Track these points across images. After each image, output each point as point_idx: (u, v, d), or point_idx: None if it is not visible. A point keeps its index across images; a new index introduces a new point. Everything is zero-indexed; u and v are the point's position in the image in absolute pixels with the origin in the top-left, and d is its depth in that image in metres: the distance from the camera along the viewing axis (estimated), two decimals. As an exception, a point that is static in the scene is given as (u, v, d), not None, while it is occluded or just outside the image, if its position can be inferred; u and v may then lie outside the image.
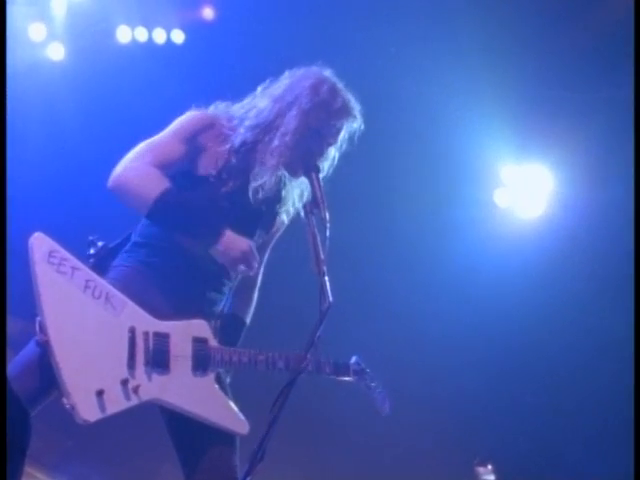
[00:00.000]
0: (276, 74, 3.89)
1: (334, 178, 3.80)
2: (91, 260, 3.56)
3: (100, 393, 3.19)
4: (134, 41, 7.20)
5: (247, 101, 3.86)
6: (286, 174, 3.76)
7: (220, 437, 3.49)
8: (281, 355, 3.60)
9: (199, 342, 3.49)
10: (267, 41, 6.92)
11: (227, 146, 3.69)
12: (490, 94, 6.94)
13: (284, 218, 3.91)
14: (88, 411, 3.17)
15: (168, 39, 7.26)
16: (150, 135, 3.71)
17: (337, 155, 3.82)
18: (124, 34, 7.18)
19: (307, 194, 3.70)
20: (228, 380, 3.73)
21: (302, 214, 3.52)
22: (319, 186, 3.52)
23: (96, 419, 3.19)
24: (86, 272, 3.35)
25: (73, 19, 7.05)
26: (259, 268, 3.94)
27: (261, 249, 3.91)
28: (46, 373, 3.22)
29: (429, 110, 7.11)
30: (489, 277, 7.37)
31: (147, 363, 3.35)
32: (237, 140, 3.70)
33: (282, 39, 6.83)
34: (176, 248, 3.57)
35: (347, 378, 3.83)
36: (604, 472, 7.29)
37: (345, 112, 3.72)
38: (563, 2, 6.92)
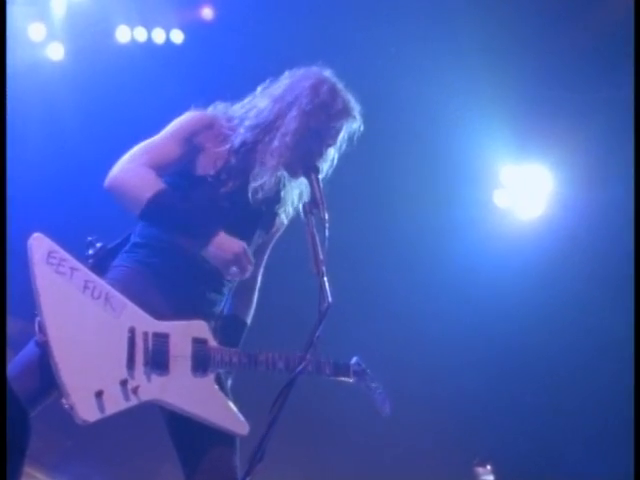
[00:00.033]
0: (276, 74, 3.89)
1: (334, 178, 3.80)
2: (90, 260, 3.56)
3: (99, 393, 3.19)
4: (133, 41, 7.20)
5: (247, 101, 3.86)
6: (285, 174, 3.76)
7: (220, 438, 3.48)
8: (281, 356, 3.59)
9: (199, 343, 3.48)
10: (267, 41, 6.92)
11: (226, 146, 3.69)
12: (490, 94, 6.94)
13: (283, 218, 3.91)
14: (87, 411, 3.16)
15: (167, 39, 7.26)
16: (150, 135, 3.71)
17: (336, 156, 3.83)
18: (123, 34, 7.18)
19: (306, 194, 3.70)
20: (229, 382, 3.74)
21: (301, 214, 3.51)
22: (318, 186, 3.52)
23: (95, 419, 3.19)
24: (85, 272, 3.35)
25: (73, 19, 7.04)
26: (259, 269, 3.94)
27: (261, 249, 3.91)
28: (46, 373, 3.22)
29: (429, 110, 7.11)
30: (489, 277, 7.37)
31: (146, 363, 3.35)
32: (237, 140, 3.70)
33: (282, 39, 6.83)
34: (175, 249, 3.57)
35: (347, 379, 3.82)
36: (604, 472, 7.29)
37: (345, 113, 3.72)
38: (563, 2, 6.92)
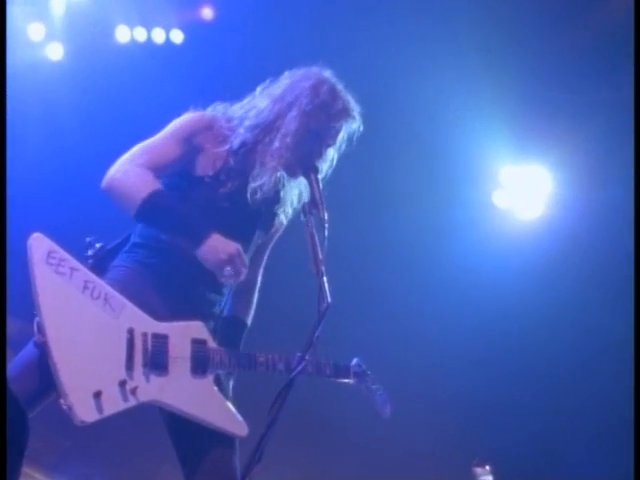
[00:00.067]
0: (275, 74, 3.89)
1: (333, 179, 3.80)
2: (90, 261, 3.56)
3: (98, 394, 3.18)
4: (133, 41, 7.20)
5: (246, 101, 3.86)
6: (285, 175, 3.75)
7: (220, 438, 3.48)
8: (281, 357, 3.59)
9: (198, 343, 3.48)
10: (266, 41, 6.91)
11: (226, 147, 3.69)
12: (489, 94, 6.94)
13: (283, 219, 3.90)
14: (85, 412, 3.16)
15: (167, 39, 7.26)
16: (149, 135, 3.71)
17: (336, 156, 3.82)
18: (123, 34, 7.17)
19: (306, 194, 3.70)
20: (231, 383, 3.73)
21: (301, 214, 3.50)
22: (318, 187, 3.51)
23: (93, 420, 3.18)
24: (85, 273, 3.34)
25: (72, 19, 7.04)
26: (258, 269, 3.95)
27: (260, 250, 3.91)
28: (45, 374, 3.21)
29: (428, 110, 7.10)
30: (488, 278, 7.36)
31: (145, 364, 3.34)
32: (236, 141, 3.70)
33: (281, 39, 6.82)
34: (175, 249, 3.56)
35: (347, 380, 3.82)
36: (604, 473, 7.28)
37: (345, 113, 3.72)
38: (563, 2, 6.91)
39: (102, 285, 3.36)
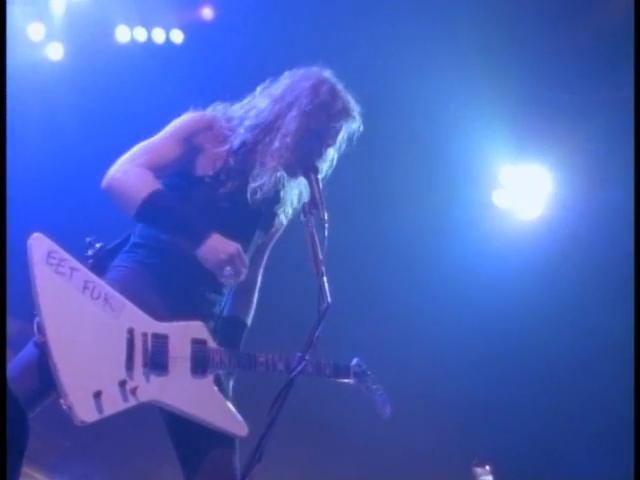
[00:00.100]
0: (275, 74, 3.89)
1: (333, 179, 3.80)
2: (90, 261, 3.56)
3: (98, 394, 3.18)
4: (133, 41, 7.20)
5: (246, 101, 3.86)
6: (285, 175, 3.75)
7: (220, 439, 3.48)
8: (281, 357, 3.59)
9: (198, 343, 3.48)
10: (266, 41, 6.91)
11: (226, 147, 3.69)
12: (489, 94, 6.94)
13: (283, 219, 3.90)
14: (85, 412, 3.16)
15: (167, 39, 7.26)
16: (150, 135, 3.71)
17: (336, 156, 3.82)
18: (123, 34, 7.18)
19: (306, 194, 3.70)
20: (232, 383, 3.73)
21: (301, 215, 3.49)
22: (318, 187, 3.51)
23: (93, 420, 3.18)
24: (85, 273, 3.34)
25: (72, 19, 7.04)
26: (258, 269, 3.95)
27: (260, 250, 3.91)
28: (45, 374, 3.21)
29: (428, 110, 7.10)
30: (488, 278, 7.36)
31: (145, 364, 3.34)
32: (236, 141, 3.70)
33: (281, 39, 6.82)
34: (175, 249, 3.56)
35: (348, 380, 3.82)
36: (604, 473, 7.28)
37: (345, 113, 3.72)
38: (563, 2, 6.91)
39: (102, 285, 3.36)
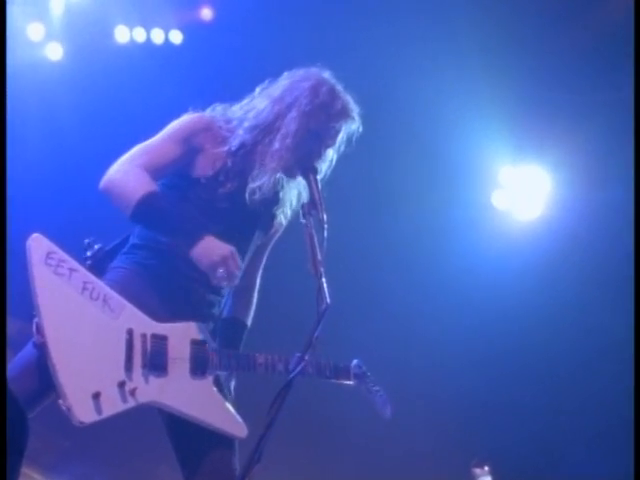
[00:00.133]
0: (275, 75, 3.88)
1: (332, 179, 3.80)
2: (89, 262, 3.55)
3: (97, 395, 3.18)
4: (132, 41, 7.20)
5: (245, 102, 3.85)
6: (284, 175, 3.75)
7: (220, 440, 3.47)
8: (281, 358, 3.58)
9: (197, 344, 3.47)
10: (266, 42, 6.91)
11: (225, 148, 3.68)
12: (489, 95, 6.94)
13: (282, 219, 3.89)
14: (84, 413, 3.15)
15: (166, 39, 7.26)
16: (149, 135, 3.71)
17: (335, 157, 3.82)
18: (122, 34, 7.18)
19: (305, 195, 3.69)
20: (233, 383, 3.73)
21: (300, 215, 3.49)
22: (317, 187, 3.51)
23: (92, 421, 3.17)
24: (84, 274, 3.34)
25: (71, 19, 7.04)
26: (258, 270, 3.95)
27: (259, 251, 3.91)
28: (44, 375, 3.20)
29: (427, 111, 7.10)
30: (488, 278, 7.36)
31: (144, 365, 3.33)
32: (235, 142, 3.69)
33: (281, 39, 6.82)
34: (174, 250, 3.55)
35: (348, 381, 3.81)
36: (604, 473, 7.28)
37: (344, 114, 3.72)
38: (563, 2, 6.91)
39: (101, 286, 3.36)
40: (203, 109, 3.79)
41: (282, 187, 3.80)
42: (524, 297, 7.31)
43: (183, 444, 3.55)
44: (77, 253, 3.45)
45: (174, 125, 3.71)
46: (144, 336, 3.36)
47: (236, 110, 3.83)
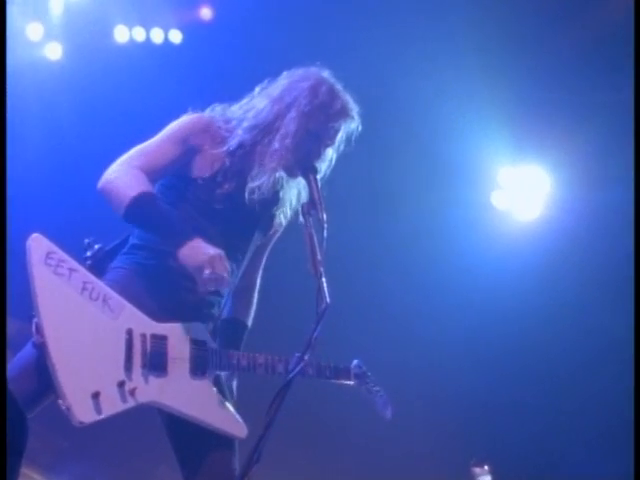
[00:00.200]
0: (274, 74, 3.88)
1: (332, 179, 3.79)
2: (88, 262, 3.55)
3: (96, 395, 3.17)
4: (132, 41, 7.21)
5: (245, 102, 3.85)
6: (284, 175, 3.74)
7: (220, 440, 3.47)
8: (281, 359, 3.58)
9: (197, 344, 3.46)
10: (265, 41, 6.91)
11: (224, 148, 3.68)
12: (488, 95, 6.94)
13: (282, 219, 3.88)
14: (83, 413, 3.15)
15: (166, 39, 7.27)
16: (148, 135, 3.70)
17: (335, 156, 3.81)
18: (122, 34, 7.18)
19: (304, 195, 3.69)
20: (235, 383, 3.72)
21: (300, 215, 3.48)
22: (317, 187, 3.50)
23: (92, 421, 3.16)
24: (84, 274, 3.33)
25: (70, 19, 7.04)
26: (258, 270, 3.95)
27: (259, 251, 3.90)
28: (44, 375, 3.20)
29: (427, 111, 7.11)
30: (487, 279, 7.36)
31: (144, 365, 3.33)
32: (234, 142, 3.69)
33: (281, 39, 6.82)
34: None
35: (348, 381, 3.80)
36: (604, 473, 7.27)
37: (343, 113, 3.71)
38: (562, 2, 6.91)
39: (101, 286, 3.35)
40: (202, 109, 3.78)
41: (282, 187, 3.80)
42: (524, 297, 7.31)
43: (183, 444, 3.54)
44: (77, 253, 3.45)
45: (173, 126, 3.70)
46: (144, 336, 3.36)
47: (235, 110, 3.82)
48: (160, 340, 3.38)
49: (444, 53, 6.87)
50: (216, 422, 3.43)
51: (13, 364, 3.33)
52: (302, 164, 3.63)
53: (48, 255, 3.25)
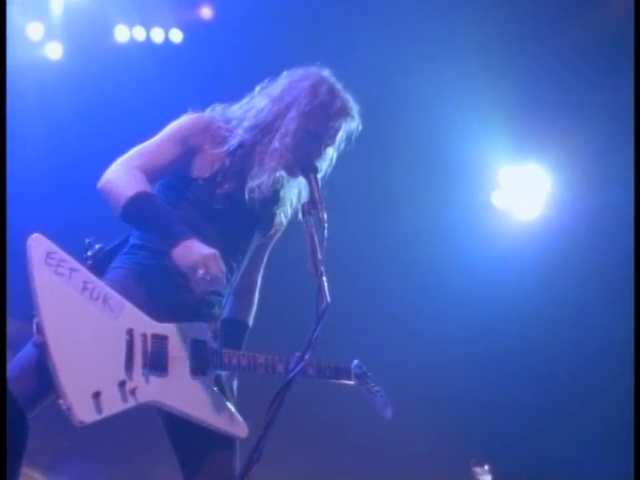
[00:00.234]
0: (274, 74, 3.88)
1: (332, 179, 3.79)
2: (89, 262, 3.54)
3: (97, 395, 3.17)
4: (132, 40, 7.21)
5: (245, 101, 3.85)
6: (284, 175, 3.74)
7: (221, 440, 3.46)
8: (281, 359, 3.57)
9: (197, 344, 3.46)
10: (266, 41, 6.91)
11: (224, 148, 3.67)
12: (488, 95, 6.94)
13: (282, 219, 3.88)
14: (84, 413, 3.14)
15: (166, 38, 7.27)
16: (148, 134, 3.70)
17: (335, 155, 3.81)
18: (122, 33, 7.19)
19: (305, 194, 3.69)
20: (235, 383, 3.72)
21: (300, 214, 3.48)
22: (317, 186, 3.50)
23: (92, 421, 3.16)
24: (84, 273, 3.33)
25: (71, 18, 7.05)
26: (258, 270, 3.94)
27: (260, 251, 3.90)
28: (44, 375, 3.19)
29: (427, 111, 7.11)
30: (487, 278, 7.37)
31: (145, 365, 3.32)
32: (234, 141, 3.68)
33: (281, 39, 6.83)
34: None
35: (348, 381, 3.80)
36: (604, 473, 7.28)
37: (344, 113, 3.71)
38: (562, 2, 6.91)
39: (101, 286, 3.35)
40: (203, 109, 3.78)
41: (282, 186, 3.80)
42: (524, 297, 7.31)
43: (183, 444, 3.54)
44: (77, 253, 3.45)
45: (173, 126, 3.70)
46: (144, 336, 3.35)
47: (235, 110, 3.82)
48: (161, 340, 3.38)
49: (444, 53, 6.87)
50: (217, 422, 3.43)
51: (13, 364, 3.33)
52: (302, 163, 3.62)
53: (48, 255, 3.25)
